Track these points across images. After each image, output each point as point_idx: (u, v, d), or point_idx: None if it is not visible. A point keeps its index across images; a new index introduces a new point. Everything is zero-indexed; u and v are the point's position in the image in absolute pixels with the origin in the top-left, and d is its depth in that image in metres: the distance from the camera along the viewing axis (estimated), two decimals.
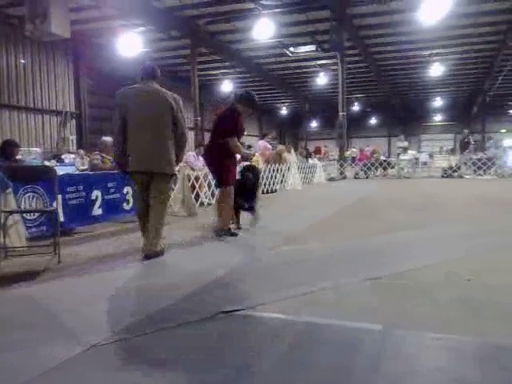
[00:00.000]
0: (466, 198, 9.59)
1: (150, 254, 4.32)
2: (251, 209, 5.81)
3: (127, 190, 6.53)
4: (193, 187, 8.32)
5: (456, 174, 16.93)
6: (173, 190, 4.81)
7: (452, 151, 18.92)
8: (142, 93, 4.47)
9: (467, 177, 16.61)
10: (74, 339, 2.51)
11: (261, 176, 6.07)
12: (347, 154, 18.89)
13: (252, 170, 5.87)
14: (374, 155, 18.89)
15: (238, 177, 5.71)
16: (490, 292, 3.12)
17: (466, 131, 20.08)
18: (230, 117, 5.41)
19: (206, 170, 9.55)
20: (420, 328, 2.56)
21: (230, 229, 5.47)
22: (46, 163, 7.45)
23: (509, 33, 17.08)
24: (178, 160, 4.71)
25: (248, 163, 5.69)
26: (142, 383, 2.03)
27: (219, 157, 5.37)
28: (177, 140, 4.54)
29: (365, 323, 2.61)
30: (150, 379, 2.07)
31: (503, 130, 33.40)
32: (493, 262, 3.94)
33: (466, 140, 18.72)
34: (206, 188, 9.08)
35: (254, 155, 6.28)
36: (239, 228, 5.78)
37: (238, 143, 5.43)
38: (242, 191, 5.64)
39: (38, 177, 4.91)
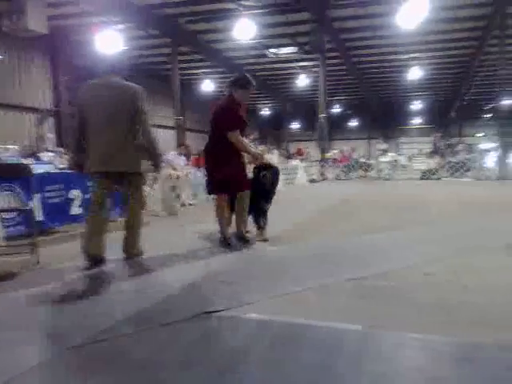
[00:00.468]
0: (444, 199, 9.76)
1: (131, 256, 4.26)
2: (265, 213, 5.27)
3: None
4: (174, 187, 8.27)
5: (434, 176, 17.23)
6: (143, 190, 4.56)
7: (430, 154, 19.29)
8: (103, 88, 4.17)
9: (445, 179, 16.92)
10: (53, 340, 2.47)
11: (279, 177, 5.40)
12: (328, 155, 19.03)
13: (270, 169, 5.20)
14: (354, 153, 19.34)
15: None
16: (467, 292, 3.19)
17: (436, 135, 20.56)
18: (227, 108, 4.80)
19: (188, 169, 9.54)
20: (400, 328, 2.60)
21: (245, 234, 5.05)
22: (23, 161, 7.30)
23: (484, 39, 17.47)
24: (155, 158, 4.36)
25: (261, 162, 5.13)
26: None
27: (227, 158, 4.76)
28: (143, 136, 4.19)
29: (346, 323, 2.64)
30: (128, 380, 2.05)
31: (479, 134, 34.12)
32: (469, 263, 4.02)
33: (436, 143, 19.21)
34: (187, 188, 9.04)
35: (263, 154, 5.65)
36: (247, 232, 5.27)
37: (242, 138, 4.81)
38: (261, 193, 5.10)
39: (13, 174, 4.82)
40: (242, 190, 4.85)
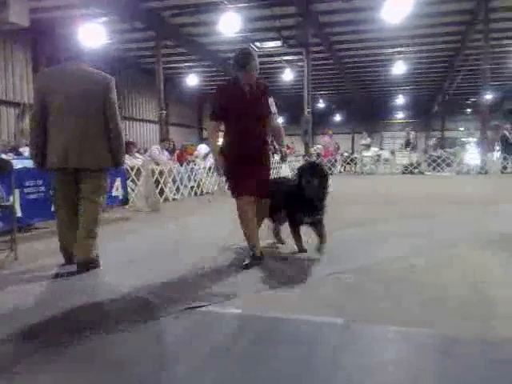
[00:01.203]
0: (424, 194, 9.86)
1: (84, 262, 3.71)
2: (318, 223, 4.21)
3: None
4: (157, 182, 8.22)
5: (416, 170, 17.40)
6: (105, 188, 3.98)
7: (412, 149, 19.50)
8: (66, 75, 3.76)
9: (427, 173, 17.10)
10: (30, 338, 2.44)
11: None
12: (312, 150, 19.07)
13: (316, 172, 4.09)
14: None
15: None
16: (445, 286, 3.23)
17: (407, 129, 20.83)
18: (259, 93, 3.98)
19: (171, 164, 9.47)
20: (380, 321, 2.62)
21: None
22: (3, 156, 7.17)
23: (468, 33, 17.64)
24: (119, 155, 3.91)
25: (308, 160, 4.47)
26: (98, 382, 1.99)
27: (259, 154, 3.93)
28: (110, 129, 3.80)
29: (327, 317, 2.66)
30: (105, 379, 2.03)
31: (461, 129, 34.55)
32: (447, 257, 4.08)
33: (407, 138, 19.49)
34: (171, 183, 8.99)
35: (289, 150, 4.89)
36: (282, 243, 4.58)
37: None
38: (300, 201, 4.07)
39: None
40: (263, 197, 3.98)
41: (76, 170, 3.77)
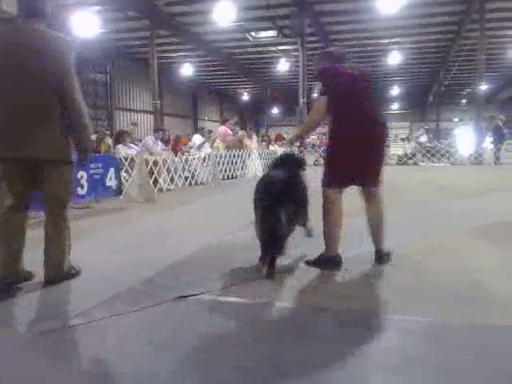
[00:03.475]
0: (419, 183, 9.89)
1: (54, 277, 3.09)
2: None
3: (81, 174, 6.27)
4: (151, 172, 8.20)
5: (411, 161, 17.44)
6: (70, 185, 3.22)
7: (407, 139, 19.52)
8: (15, 38, 2.97)
9: (421, 164, 17.15)
10: (24, 326, 2.46)
11: None
12: (307, 140, 19.04)
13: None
14: None
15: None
16: (439, 275, 3.25)
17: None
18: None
19: (166, 155, 9.44)
20: (375, 310, 2.65)
21: None
22: None
23: (463, 23, 17.59)
24: (84, 140, 3.12)
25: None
26: (87, 370, 2.00)
27: (381, 141, 3.57)
28: (70, 109, 3.00)
29: (321, 305, 2.68)
30: (96, 365, 2.04)
31: (456, 119, 34.61)
32: (441, 246, 4.10)
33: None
34: (165, 173, 8.97)
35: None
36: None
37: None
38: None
39: None
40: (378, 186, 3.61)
41: (28, 162, 3.01)
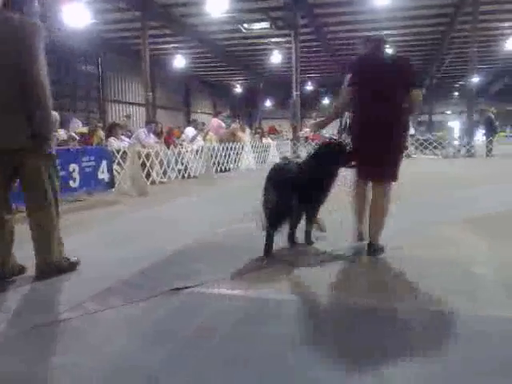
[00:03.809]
0: (411, 175, 9.92)
1: (44, 270, 3.07)
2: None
3: (73, 167, 6.22)
4: (144, 165, 8.16)
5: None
6: (57, 175, 3.17)
7: None
8: None
9: (414, 156, 17.21)
10: (18, 319, 2.45)
11: None
12: (301, 133, 19.02)
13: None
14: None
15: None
16: (425, 265, 3.28)
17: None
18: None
19: (159, 147, 9.38)
20: (365, 299, 2.66)
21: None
22: None
23: (455, 16, 17.59)
24: (42, 126, 2.92)
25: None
26: (79, 363, 2.00)
27: (399, 134, 3.56)
28: (32, 92, 2.86)
29: (313, 297, 2.69)
30: (87, 359, 2.04)
31: (449, 112, 34.73)
32: (427, 236, 4.12)
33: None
34: (158, 166, 8.93)
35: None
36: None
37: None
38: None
39: None
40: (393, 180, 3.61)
41: (6, 153, 2.89)
